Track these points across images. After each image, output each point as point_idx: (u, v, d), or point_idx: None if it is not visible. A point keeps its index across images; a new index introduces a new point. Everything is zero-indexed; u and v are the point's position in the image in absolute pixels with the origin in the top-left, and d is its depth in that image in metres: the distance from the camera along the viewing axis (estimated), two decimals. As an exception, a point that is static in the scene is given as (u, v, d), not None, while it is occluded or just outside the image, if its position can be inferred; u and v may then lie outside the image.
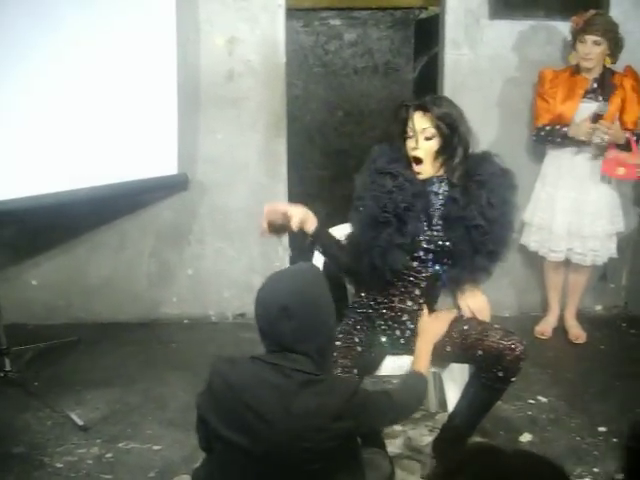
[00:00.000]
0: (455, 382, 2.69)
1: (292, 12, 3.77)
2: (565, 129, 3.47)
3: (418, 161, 2.45)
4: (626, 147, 3.45)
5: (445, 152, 2.43)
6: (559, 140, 3.52)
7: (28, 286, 3.97)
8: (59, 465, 2.75)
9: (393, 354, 2.58)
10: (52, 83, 3.19)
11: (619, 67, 3.53)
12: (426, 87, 3.87)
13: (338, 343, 2.42)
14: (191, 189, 3.91)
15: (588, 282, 3.88)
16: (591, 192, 3.57)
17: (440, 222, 2.47)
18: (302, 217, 2.39)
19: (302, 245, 2.58)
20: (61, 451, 2.84)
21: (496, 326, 2.46)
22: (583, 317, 3.95)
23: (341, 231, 2.70)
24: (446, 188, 2.48)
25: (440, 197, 2.48)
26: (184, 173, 3.83)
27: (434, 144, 2.42)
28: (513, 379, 2.41)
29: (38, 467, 2.73)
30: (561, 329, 3.88)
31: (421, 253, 2.48)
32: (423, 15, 4.06)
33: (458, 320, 2.53)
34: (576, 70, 3.51)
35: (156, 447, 2.88)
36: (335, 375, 2.25)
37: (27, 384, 3.23)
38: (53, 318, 3.97)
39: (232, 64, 3.77)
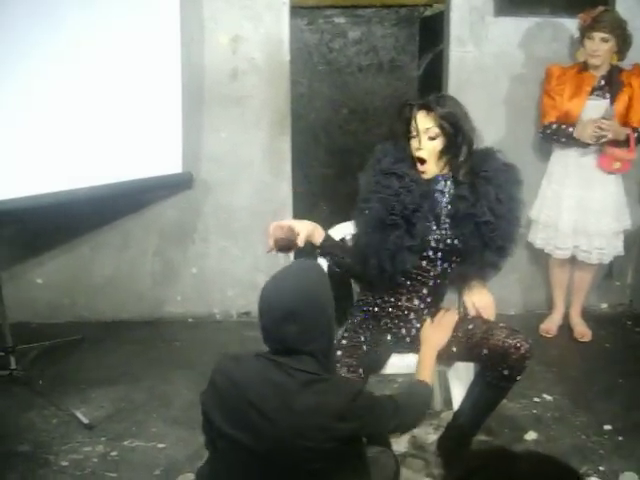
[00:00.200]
0: (460, 381, 2.68)
1: (296, 10, 3.76)
2: (571, 129, 3.46)
3: (422, 161, 2.44)
4: (625, 143, 3.45)
5: (449, 151, 2.42)
6: (564, 140, 3.51)
7: (33, 285, 3.98)
8: (64, 463, 2.76)
9: (399, 353, 2.57)
10: (57, 82, 3.19)
11: (626, 64, 3.52)
12: (431, 85, 3.86)
13: (343, 342, 2.42)
14: (195, 188, 3.91)
15: (594, 280, 3.88)
16: (597, 190, 3.56)
17: (448, 220, 2.46)
18: (308, 232, 2.38)
19: (309, 256, 2.57)
20: (66, 449, 2.84)
21: (501, 325, 2.45)
22: (588, 315, 3.94)
23: (344, 230, 2.70)
24: (452, 186, 2.48)
25: (446, 196, 2.47)
26: (188, 172, 3.83)
27: (438, 144, 2.41)
28: (518, 378, 2.40)
29: (43, 465, 2.74)
30: (566, 327, 3.87)
31: (430, 252, 2.47)
32: (428, 12, 4.05)
33: (463, 319, 2.52)
34: (583, 67, 3.49)
35: (161, 445, 2.88)
36: (339, 376, 2.25)
37: (32, 382, 3.24)
38: (58, 317, 3.97)
39: (236, 62, 3.77)
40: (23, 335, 3.50)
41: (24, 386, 3.22)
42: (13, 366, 3.26)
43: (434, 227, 2.45)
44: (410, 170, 2.44)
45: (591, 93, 3.47)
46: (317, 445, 1.77)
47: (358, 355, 2.37)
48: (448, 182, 2.48)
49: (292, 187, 3.93)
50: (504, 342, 2.37)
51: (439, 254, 2.47)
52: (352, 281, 2.79)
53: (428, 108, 2.40)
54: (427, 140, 2.41)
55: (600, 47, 3.38)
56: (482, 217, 2.40)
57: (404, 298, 2.52)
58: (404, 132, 2.47)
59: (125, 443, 2.89)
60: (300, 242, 2.33)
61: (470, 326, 2.48)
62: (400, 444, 2.77)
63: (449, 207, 2.47)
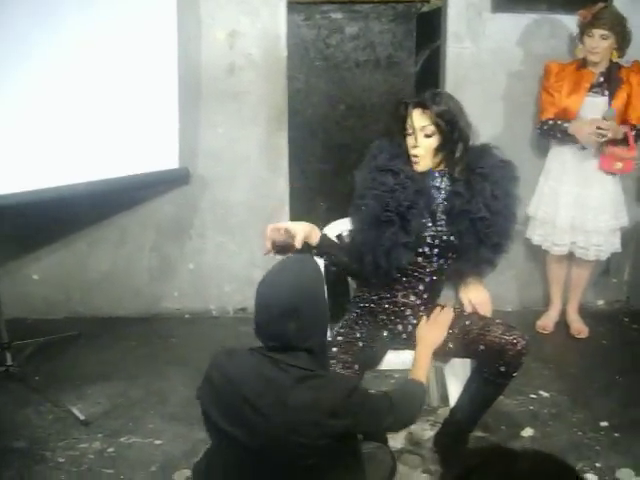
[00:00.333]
0: (457, 377, 2.69)
1: (293, 5, 3.75)
2: (566, 125, 3.45)
3: (417, 157, 2.44)
4: (624, 141, 3.44)
5: (445, 148, 2.42)
6: (559, 136, 3.51)
7: (29, 280, 3.97)
8: (60, 460, 2.76)
9: (395, 349, 2.57)
10: (53, 78, 3.17)
11: (624, 61, 3.51)
12: (428, 81, 3.85)
13: (339, 338, 2.42)
14: (192, 183, 3.91)
15: (591, 277, 3.88)
16: (595, 187, 3.56)
17: (444, 217, 2.46)
18: (305, 234, 2.37)
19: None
20: (62, 445, 2.84)
21: (498, 321, 2.46)
22: (585, 312, 3.94)
23: (341, 226, 2.70)
24: (448, 182, 2.47)
25: (442, 192, 2.47)
26: (185, 167, 3.83)
27: (434, 141, 2.41)
28: (515, 374, 2.41)
29: (39, 461, 2.74)
30: (563, 324, 3.87)
31: (426, 249, 2.46)
32: (425, 8, 4.04)
33: (459, 315, 2.52)
34: (582, 64, 3.49)
35: (157, 441, 2.88)
36: (334, 372, 2.25)
37: (28, 379, 3.24)
38: (54, 313, 3.97)
39: (233, 58, 3.76)
40: (19, 331, 3.50)
41: (20, 382, 3.22)
42: (9, 362, 3.26)
43: (430, 223, 2.45)
44: (405, 167, 2.43)
45: (590, 90, 3.46)
46: (311, 441, 1.77)
47: (354, 351, 2.37)
48: (444, 178, 2.48)
49: (289, 183, 3.93)
50: (501, 338, 2.37)
51: (435, 250, 2.47)
52: (348, 278, 2.79)
53: (424, 106, 2.39)
54: (423, 138, 2.40)
55: (600, 44, 3.37)
56: (477, 213, 2.40)
57: (400, 294, 2.52)
58: (400, 129, 2.46)
59: (122, 439, 2.89)
60: (298, 244, 2.33)
61: (467, 322, 2.48)
62: (397, 440, 2.78)
63: (445, 203, 2.46)
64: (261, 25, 3.73)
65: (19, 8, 3.02)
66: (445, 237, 2.45)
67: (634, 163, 3.52)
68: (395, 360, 2.56)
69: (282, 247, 2.33)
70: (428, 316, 2.51)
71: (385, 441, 2.42)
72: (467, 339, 2.45)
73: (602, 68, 3.46)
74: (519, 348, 2.35)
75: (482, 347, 2.40)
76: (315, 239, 2.43)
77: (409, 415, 2.12)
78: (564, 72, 3.50)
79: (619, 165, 3.48)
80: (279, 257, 2.56)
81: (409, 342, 2.51)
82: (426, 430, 2.89)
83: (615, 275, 4.15)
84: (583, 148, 3.49)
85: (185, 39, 3.66)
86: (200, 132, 3.84)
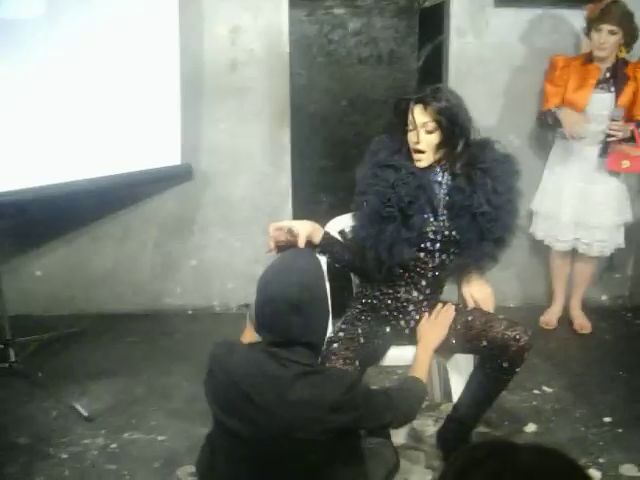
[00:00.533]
0: (460, 372, 2.68)
1: (295, 1, 3.74)
2: (557, 111, 3.43)
3: (419, 152, 2.43)
4: (631, 139, 3.43)
5: (447, 144, 2.41)
6: (550, 122, 3.48)
7: (32, 277, 3.98)
8: (64, 456, 2.76)
9: (397, 345, 2.57)
10: (55, 74, 3.18)
11: (630, 56, 3.49)
12: (431, 76, 3.84)
13: (341, 334, 2.42)
14: (194, 179, 3.90)
15: (594, 272, 3.87)
16: (599, 183, 3.54)
17: (445, 212, 2.45)
18: (308, 233, 2.36)
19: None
20: (66, 442, 2.85)
21: (500, 317, 2.45)
22: (588, 307, 3.94)
23: (344, 222, 2.70)
24: (449, 177, 2.47)
25: (444, 187, 2.47)
26: (187, 163, 3.83)
27: (435, 137, 2.40)
28: (518, 369, 2.40)
29: (43, 457, 2.74)
30: (566, 319, 3.87)
31: (428, 244, 2.46)
32: (428, 3, 4.02)
33: (462, 311, 2.52)
34: (588, 59, 3.46)
35: (161, 437, 2.88)
36: (334, 368, 2.25)
37: (31, 375, 3.24)
38: (57, 309, 3.97)
39: (235, 53, 3.75)
40: (22, 327, 3.50)
41: (23, 379, 3.22)
42: (12, 359, 3.26)
43: (431, 219, 2.44)
44: (406, 162, 2.43)
45: (596, 86, 3.43)
46: (312, 437, 1.77)
47: (355, 347, 2.36)
48: (445, 173, 2.47)
49: (291, 179, 3.92)
50: (503, 334, 2.36)
51: (437, 246, 2.46)
52: (351, 274, 2.78)
53: (424, 102, 2.38)
54: (424, 134, 2.39)
55: (608, 39, 3.34)
56: (479, 208, 2.39)
57: (403, 290, 2.52)
58: (401, 126, 2.45)
59: (125, 435, 2.89)
60: (301, 243, 2.32)
61: (469, 318, 2.48)
62: (399, 436, 2.78)
63: (446, 198, 2.46)
64: (263, 21, 3.72)
65: (20, 1, 3.02)
66: (447, 232, 2.44)
67: None
68: (398, 356, 2.56)
69: (285, 246, 2.33)
70: (430, 312, 2.51)
71: (388, 437, 2.42)
72: (470, 335, 2.45)
73: (608, 64, 3.43)
74: (522, 344, 2.35)
75: (485, 343, 2.40)
76: (318, 238, 2.42)
77: (408, 412, 2.12)
78: (569, 67, 3.48)
79: (626, 163, 3.45)
80: None
81: (411, 338, 2.51)
82: (429, 426, 2.89)
83: (618, 271, 4.14)
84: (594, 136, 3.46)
85: (187, 35, 3.65)
86: (202, 128, 3.84)
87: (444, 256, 2.48)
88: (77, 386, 3.23)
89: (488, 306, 2.52)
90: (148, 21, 3.47)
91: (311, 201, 3.98)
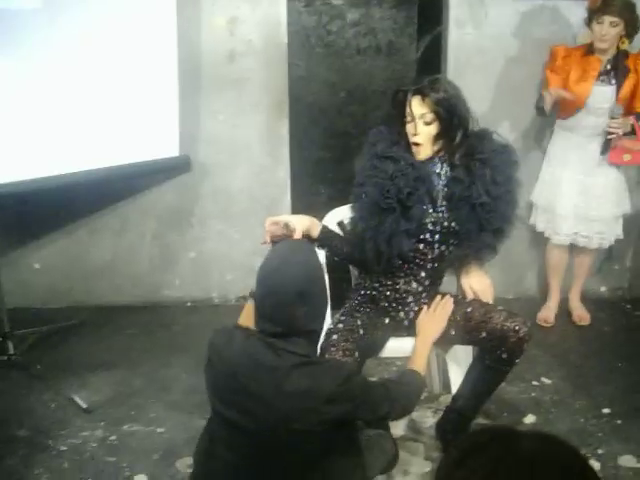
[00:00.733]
0: (459, 364, 2.68)
1: (294, -8, 3.73)
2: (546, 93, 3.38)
3: (417, 144, 2.43)
4: (631, 132, 3.41)
5: (445, 135, 2.40)
6: (541, 104, 3.40)
7: (30, 270, 3.97)
8: (63, 448, 2.77)
9: (396, 336, 2.57)
10: (53, 66, 3.17)
11: (629, 47, 3.46)
12: (430, 67, 3.82)
13: (340, 325, 2.42)
14: (193, 171, 3.89)
15: (593, 264, 3.86)
16: (598, 175, 3.53)
17: (444, 203, 2.44)
18: (304, 227, 2.35)
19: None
20: (65, 434, 2.85)
21: (500, 308, 2.45)
22: (587, 299, 3.94)
23: (342, 213, 2.69)
24: (448, 169, 2.46)
25: (442, 178, 2.46)
26: (186, 155, 3.82)
27: (433, 128, 2.39)
28: (517, 361, 2.41)
29: (42, 450, 2.74)
30: (565, 311, 3.86)
31: (427, 235, 2.45)
32: (426, -6, 4.01)
33: (461, 303, 2.51)
34: (589, 50, 3.42)
35: (160, 429, 2.89)
36: (331, 359, 2.25)
37: (30, 367, 3.24)
38: (55, 301, 3.97)
39: (233, 44, 3.74)
40: (21, 320, 3.50)
41: (22, 371, 3.22)
42: (11, 351, 3.26)
43: (430, 210, 2.44)
44: (405, 154, 2.42)
45: (597, 78, 3.40)
46: (308, 427, 1.78)
47: (354, 339, 2.36)
48: (444, 164, 2.46)
49: (290, 170, 3.91)
50: (502, 325, 2.36)
51: (436, 237, 2.45)
52: (350, 265, 2.78)
53: (422, 94, 2.37)
54: (423, 125, 2.38)
55: (609, 31, 3.29)
56: (478, 199, 2.38)
57: (402, 281, 2.51)
58: (399, 117, 2.44)
59: (124, 427, 2.90)
60: (297, 237, 2.32)
61: (468, 309, 2.47)
62: (398, 427, 2.78)
63: (445, 189, 2.45)
64: (261, 11, 3.70)
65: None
66: (446, 223, 2.44)
67: None
68: (397, 347, 2.56)
69: (280, 241, 2.32)
70: (430, 303, 2.50)
71: (387, 428, 2.42)
72: (469, 326, 2.45)
73: (609, 55, 3.40)
74: (521, 335, 2.35)
75: (484, 334, 2.40)
76: (316, 232, 2.42)
77: (407, 404, 2.12)
78: (570, 57, 3.44)
79: (628, 157, 3.45)
80: None
81: (410, 329, 2.51)
82: (428, 417, 2.89)
83: (617, 262, 4.14)
84: (593, 129, 3.44)
85: (185, 26, 3.63)
86: (200, 119, 3.83)
87: (443, 247, 2.48)
88: (76, 378, 3.23)
89: (487, 297, 2.52)
90: (146, 12, 3.45)
91: (310, 193, 3.97)
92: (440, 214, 2.44)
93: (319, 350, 2.29)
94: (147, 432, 2.87)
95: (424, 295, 2.53)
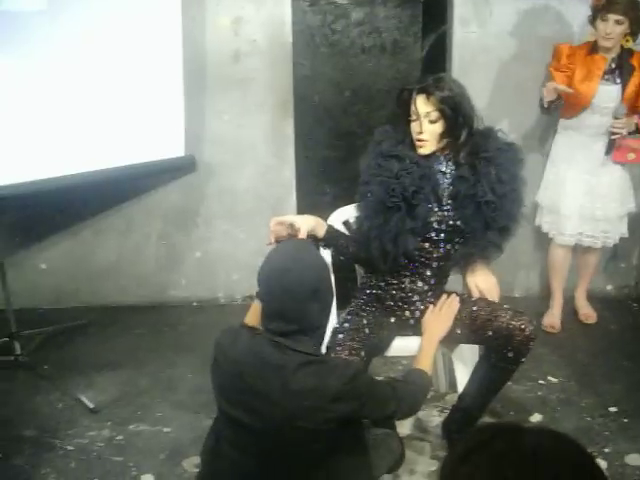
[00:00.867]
0: (465, 363, 2.68)
1: (298, -9, 3.73)
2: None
3: (422, 140, 2.42)
4: (635, 131, 3.38)
5: (450, 134, 2.40)
6: (544, 104, 3.37)
7: (37, 270, 3.98)
8: (70, 447, 2.77)
9: (402, 335, 2.56)
10: (58, 66, 3.17)
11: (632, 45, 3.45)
12: (434, 66, 3.82)
13: (346, 325, 2.42)
14: (198, 171, 3.90)
15: (599, 262, 3.84)
16: (603, 174, 3.49)
17: (450, 201, 2.44)
18: (310, 228, 2.35)
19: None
20: (72, 434, 2.86)
21: (505, 306, 2.45)
22: (594, 297, 3.92)
23: (348, 213, 2.69)
24: (453, 167, 2.45)
25: (448, 176, 2.45)
26: (191, 155, 3.82)
27: (438, 127, 2.38)
28: (523, 359, 2.40)
29: (49, 449, 2.75)
30: (571, 309, 3.85)
31: (433, 234, 2.45)
32: (431, -7, 4.01)
33: (467, 301, 2.51)
34: (593, 48, 3.37)
35: (166, 429, 2.89)
36: (337, 357, 2.25)
37: (37, 368, 3.25)
38: (62, 302, 3.98)
39: (238, 44, 3.74)
40: (27, 321, 3.51)
41: (29, 371, 3.23)
42: (18, 351, 3.27)
43: (436, 208, 2.43)
44: (410, 152, 2.42)
45: (602, 77, 3.35)
46: (315, 426, 1.78)
47: (360, 338, 2.36)
48: (449, 163, 2.45)
49: (295, 170, 3.91)
50: (508, 324, 2.36)
51: (442, 235, 2.45)
52: (355, 265, 2.78)
53: (427, 92, 2.37)
54: (428, 124, 2.38)
55: (614, 29, 3.25)
56: (483, 197, 2.38)
57: (407, 280, 2.51)
58: (404, 116, 2.44)
59: (130, 427, 2.90)
60: (301, 237, 2.32)
61: (474, 308, 2.47)
62: (404, 426, 2.78)
63: (450, 188, 2.44)
64: (266, 11, 3.71)
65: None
66: (451, 222, 2.43)
67: None
68: (402, 346, 2.55)
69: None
70: (435, 302, 2.50)
71: (393, 427, 2.42)
72: (475, 325, 2.45)
73: (614, 54, 3.36)
74: (527, 333, 2.34)
75: (490, 333, 2.39)
76: (322, 232, 2.42)
77: (413, 404, 2.12)
78: (575, 56, 3.39)
79: (632, 156, 3.42)
80: None
81: (416, 328, 2.50)
82: (434, 416, 2.89)
83: (624, 260, 4.13)
84: (597, 128, 3.42)
85: (190, 26, 3.64)
86: (205, 119, 3.83)
87: (449, 246, 2.47)
88: (82, 378, 3.24)
89: (493, 296, 2.51)
90: (151, 12, 3.45)
91: (315, 192, 3.97)
92: (445, 212, 2.44)
93: (325, 349, 2.30)
94: (153, 432, 2.87)
95: (430, 294, 2.53)
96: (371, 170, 2.43)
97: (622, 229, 3.62)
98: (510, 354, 2.37)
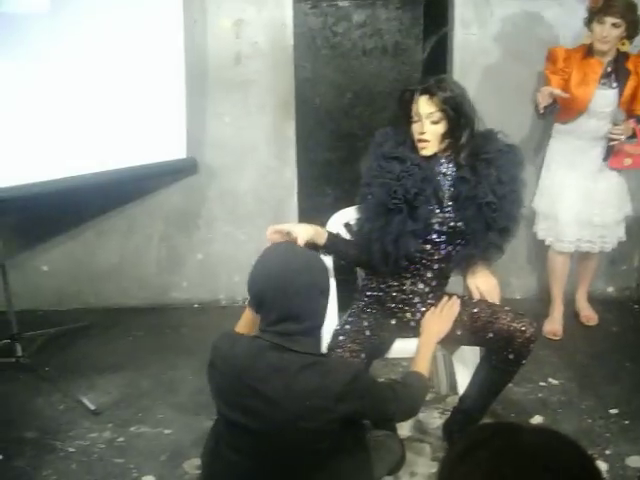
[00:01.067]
0: (465, 365, 2.68)
1: (299, -6, 3.74)
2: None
3: (424, 141, 2.42)
4: (632, 136, 3.34)
5: (452, 134, 2.40)
6: (539, 110, 3.30)
7: (38, 272, 3.99)
8: (71, 449, 2.77)
9: (403, 337, 2.56)
10: (59, 68, 3.17)
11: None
12: (436, 67, 3.82)
13: (347, 327, 2.42)
14: (199, 173, 3.91)
15: (598, 265, 3.83)
16: (600, 180, 3.45)
17: (450, 203, 2.44)
18: (308, 236, 2.32)
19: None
20: (73, 435, 2.86)
21: (506, 308, 2.45)
22: (595, 299, 3.92)
23: (348, 215, 2.69)
24: (454, 168, 2.45)
25: (449, 178, 2.45)
26: (192, 157, 3.83)
27: (440, 128, 2.39)
28: (524, 361, 2.40)
29: (50, 451, 2.75)
30: (572, 311, 3.85)
31: (434, 236, 2.45)
32: (432, -5, 4.01)
33: (468, 303, 2.51)
34: (588, 52, 3.32)
35: (167, 431, 2.89)
36: (339, 358, 2.25)
37: (39, 369, 3.25)
38: (63, 304, 3.99)
39: (239, 47, 3.75)
40: (29, 322, 3.52)
41: (30, 373, 3.24)
42: (19, 353, 3.27)
43: (437, 210, 2.43)
44: (411, 154, 2.42)
45: (598, 81, 3.30)
46: (318, 427, 1.78)
47: (361, 340, 2.36)
48: (450, 164, 2.46)
49: (297, 172, 3.92)
50: (509, 326, 2.36)
51: (443, 237, 2.45)
52: (356, 267, 2.78)
53: (430, 93, 2.37)
54: (430, 124, 2.38)
55: (611, 32, 3.19)
56: (484, 199, 2.38)
57: (408, 282, 2.51)
58: (405, 117, 2.45)
59: (131, 429, 2.90)
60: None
61: (475, 310, 2.47)
62: (405, 428, 2.78)
63: (452, 190, 2.45)
64: (267, 14, 3.71)
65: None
66: (452, 223, 2.44)
67: None
68: (403, 348, 2.55)
69: None
70: (436, 304, 2.50)
71: (394, 429, 2.43)
72: (476, 327, 2.45)
73: (609, 57, 3.30)
74: (528, 335, 2.34)
75: (491, 334, 2.39)
76: (322, 240, 2.41)
77: (412, 405, 2.13)
78: (570, 58, 3.34)
79: (629, 161, 3.39)
80: None
81: (417, 330, 2.50)
82: (435, 418, 2.89)
83: (625, 262, 4.12)
84: (595, 134, 3.39)
85: (191, 28, 3.65)
86: (207, 121, 3.84)
87: (450, 248, 2.48)
88: (84, 380, 3.24)
89: (494, 298, 2.52)
90: (152, 15, 3.46)
91: (316, 194, 3.98)
92: (447, 214, 2.44)
93: (326, 351, 2.31)
94: (154, 433, 2.88)
95: (430, 296, 2.53)
96: (372, 172, 2.43)
97: (620, 233, 3.58)
98: (511, 356, 2.37)
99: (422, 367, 2.27)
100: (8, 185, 3.05)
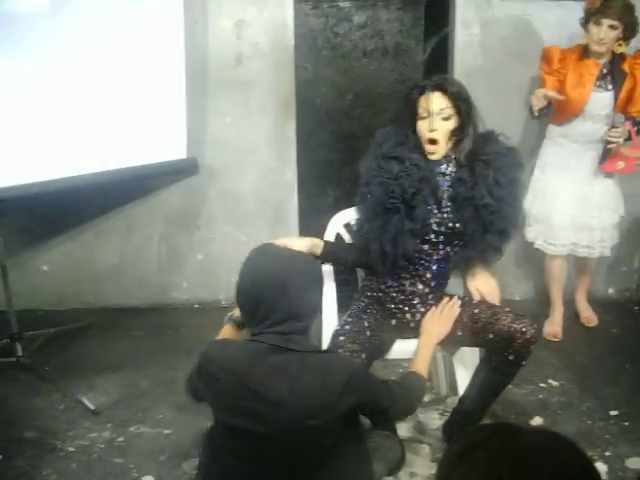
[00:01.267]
0: (465, 365, 2.68)
1: (300, -6, 3.74)
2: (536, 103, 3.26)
3: (433, 142, 2.42)
4: (627, 138, 3.31)
5: (460, 132, 2.41)
6: (534, 113, 3.29)
7: (38, 272, 3.99)
8: (71, 449, 2.77)
9: (403, 338, 2.57)
10: (59, 68, 3.17)
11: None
12: (437, 68, 3.82)
13: (347, 327, 2.42)
14: (200, 173, 3.90)
15: (597, 267, 3.81)
16: (595, 183, 3.42)
17: (449, 204, 2.45)
18: (306, 249, 2.35)
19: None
20: (73, 435, 2.86)
21: (506, 309, 2.45)
22: (595, 300, 3.91)
23: (348, 216, 2.70)
24: (453, 169, 2.46)
25: (447, 178, 2.46)
26: (193, 157, 3.82)
27: (451, 124, 2.40)
28: (524, 363, 2.40)
29: (50, 451, 2.75)
30: (572, 313, 3.85)
31: (432, 236, 2.45)
32: (433, -4, 4.01)
33: (468, 304, 2.51)
34: (584, 52, 3.28)
35: (167, 431, 2.89)
36: (335, 353, 2.25)
37: (38, 369, 3.25)
38: (63, 304, 3.98)
39: (240, 47, 3.75)
40: (29, 322, 3.51)
41: (30, 373, 3.23)
42: (19, 353, 3.27)
43: (435, 210, 2.44)
44: (411, 154, 2.42)
45: (594, 83, 3.26)
46: (325, 423, 1.78)
47: (361, 340, 2.36)
48: (450, 165, 2.46)
49: (297, 172, 3.92)
50: (509, 327, 2.36)
51: (441, 237, 2.45)
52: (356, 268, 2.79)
53: (443, 89, 2.38)
54: (440, 120, 2.39)
55: (608, 34, 3.15)
56: (481, 200, 2.38)
57: (408, 283, 2.51)
58: (411, 115, 2.45)
59: (131, 429, 2.90)
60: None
61: (475, 311, 2.47)
62: (405, 429, 2.78)
63: (450, 190, 2.45)
64: (268, 14, 3.71)
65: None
66: (451, 224, 2.44)
67: (637, 162, 3.32)
68: (403, 349, 2.56)
69: None
70: (436, 305, 2.50)
71: (394, 430, 2.43)
72: (476, 328, 2.45)
73: (605, 59, 3.26)
74: (528, 336, 2.34)
75: (491, 335, 2.39)
76: (318, 250, 2.44)
77: (407, 406, 2.13)
78: (566, 60, 3.30)
79: (622, 164, 3.32)
80: None
81: (417, 331, 2.50)
82: (434, 419, 2.89)
83: (625, 264, 4.12)
84: (591, 136, 3.37)
85: (192, 29, 3.65)
86: (208, 122, 3.84)
87: (448, 248, 2.48)
88: (84, 380, 3.24)
89: (494, 299, 2.52)
90: (153, 15, 3.46)
91: (317, 194, 3.98)
92: (445, 215, 2.44)
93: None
94: (154, 434, 2.87)
95: (430, 296, 2.53)
96: (371, 171, 2.44)
97: (615, 235, 3.54)
98: (511, 357, 2.37)
99: (421, 367, 2.27)
100: (8, 185, 3.05)
